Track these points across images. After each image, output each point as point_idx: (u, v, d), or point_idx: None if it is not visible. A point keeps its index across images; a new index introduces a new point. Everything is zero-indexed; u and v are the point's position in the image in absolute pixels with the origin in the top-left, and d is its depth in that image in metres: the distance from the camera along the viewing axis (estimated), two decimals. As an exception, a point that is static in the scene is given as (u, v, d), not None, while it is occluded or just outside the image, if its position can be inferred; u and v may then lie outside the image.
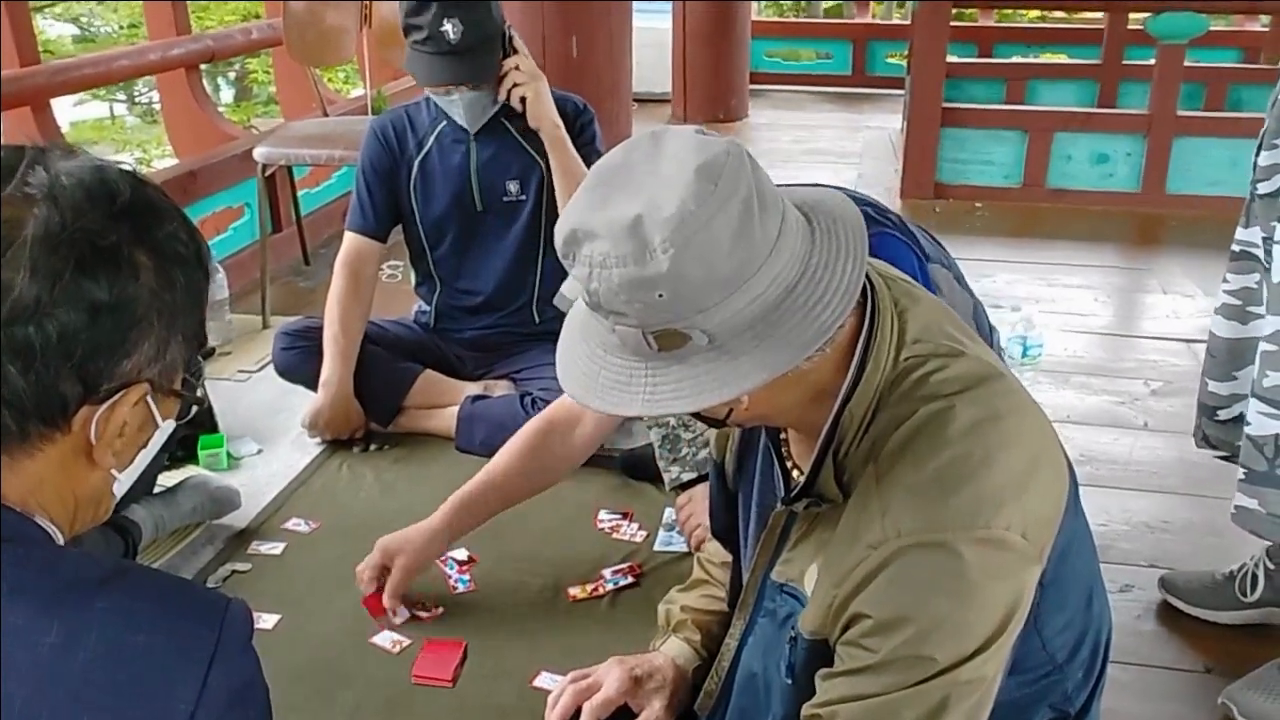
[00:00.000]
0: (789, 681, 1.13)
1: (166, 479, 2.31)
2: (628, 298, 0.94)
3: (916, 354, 1.06)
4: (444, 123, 2.61)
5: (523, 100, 2.48)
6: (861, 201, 1.78)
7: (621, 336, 0.99)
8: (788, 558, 1.17)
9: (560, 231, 0.98)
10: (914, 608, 0.99)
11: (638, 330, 0.97)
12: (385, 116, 2.71)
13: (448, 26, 2.38)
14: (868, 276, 1.08)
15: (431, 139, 2.63)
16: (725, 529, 1.39)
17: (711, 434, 1.38)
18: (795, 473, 1.20)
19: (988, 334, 2.01)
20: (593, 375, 1.03)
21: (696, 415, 1.08)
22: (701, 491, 1.98)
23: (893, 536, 0.99)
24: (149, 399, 0.82)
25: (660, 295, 0.93)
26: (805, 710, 1.09)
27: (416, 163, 2.63)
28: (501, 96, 2.50)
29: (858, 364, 1.05)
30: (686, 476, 2.15)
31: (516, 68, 2.47)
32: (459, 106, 2.52)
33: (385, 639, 1.90)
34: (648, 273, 0.92)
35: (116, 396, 0.79)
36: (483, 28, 2.42)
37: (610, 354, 1.02)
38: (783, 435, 1.22)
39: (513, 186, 2.62)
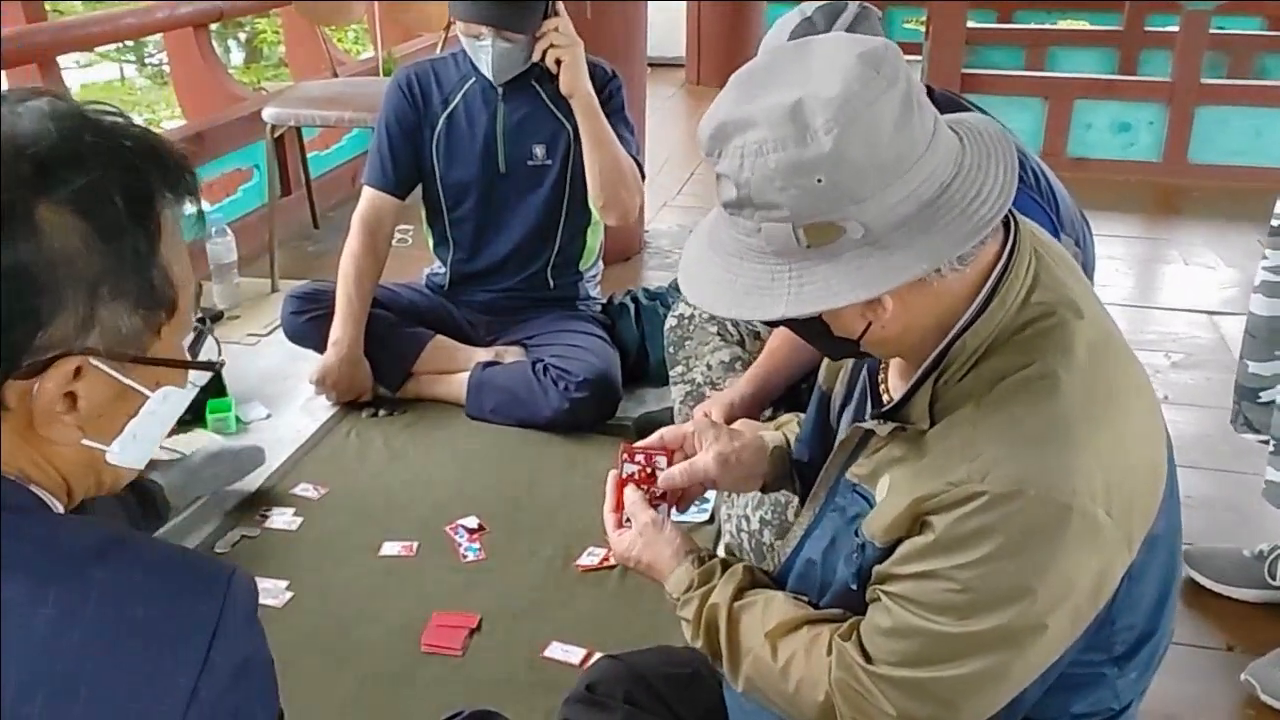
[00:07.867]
0: (854, 587, 1.11)
1: (174, 443, 2.28)
2: (783, 184, 0.93)
3: (1045, 302, 1.03)
4: (473, 79, 2.55)
5: (558, 63, 2.43)
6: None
7: (768, 234, 0.97)
8: (863, 462, 1.15)
9: (706, 128, 0.97)
10: (978, 552, 0.97)
11: (788, 225, 0.95)
12: (410, 69, 2.62)
13: None
14: (1009, 213, 1.05)
15: (459, 96, 2.57)
16: (810, 461, 1.34)
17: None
18: (886, 398, 1.17)
19: None
20: (727, 284, 1.01)
21: (825, 344, 1.07)
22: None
23: (976, 480, 0.97)
24: (106, 368, 0.75)
25: (819, 180, 0.92)
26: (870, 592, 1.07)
27: (442, 119, 2.57)
28: (536, 56, 2.44)
29: (987, 293, 1.02)
30: None
31: (556, 29, 2.42)
32: (488, 54, 2.44)
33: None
34: (808, 155, 0.92)
35: (45, 372, 0.72)
36: None
37: (746, 260, 1.00)
38: (882, 366, 1.20)
39: (539, 150, 2.57)
